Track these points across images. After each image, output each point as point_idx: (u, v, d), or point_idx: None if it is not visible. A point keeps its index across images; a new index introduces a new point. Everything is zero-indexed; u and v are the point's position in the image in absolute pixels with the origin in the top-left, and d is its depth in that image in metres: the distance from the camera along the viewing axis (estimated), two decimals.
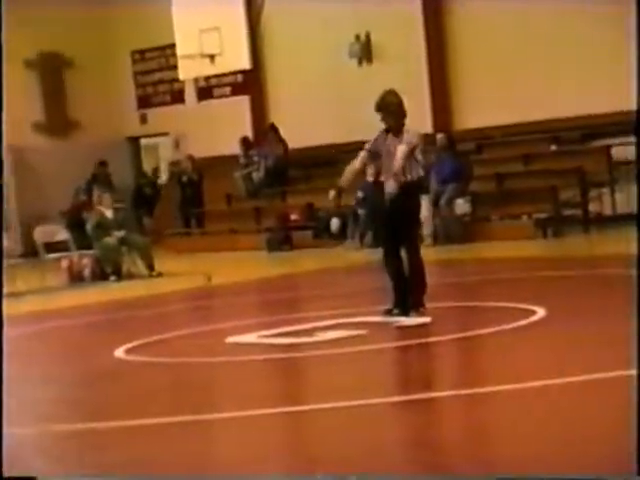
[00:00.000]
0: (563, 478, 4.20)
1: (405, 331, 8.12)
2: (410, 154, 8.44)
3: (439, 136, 16.78)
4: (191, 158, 20.82)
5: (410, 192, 8.47)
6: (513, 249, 14.35)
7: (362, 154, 8.66)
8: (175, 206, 20.96)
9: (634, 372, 5.66)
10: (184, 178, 20.72)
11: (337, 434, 5.37)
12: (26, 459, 4.98)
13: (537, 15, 17.14)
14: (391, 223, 8.52)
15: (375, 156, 8.62)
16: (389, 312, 8.51)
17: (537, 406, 5.56)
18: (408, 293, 8.48)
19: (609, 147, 16.07)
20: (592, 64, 16.45)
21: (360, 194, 16.29)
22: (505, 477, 4.26)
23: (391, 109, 8.49)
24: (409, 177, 8.46)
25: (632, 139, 15.85)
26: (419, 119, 14.74)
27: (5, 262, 14.29)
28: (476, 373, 6.91)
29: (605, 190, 16.01)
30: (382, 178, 8.60)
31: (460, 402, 5.86)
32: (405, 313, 8.43)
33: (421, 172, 8.60)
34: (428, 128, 17.48)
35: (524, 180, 16.50)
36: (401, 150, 8.38)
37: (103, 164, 21.63)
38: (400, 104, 8.54)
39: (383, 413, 5.76)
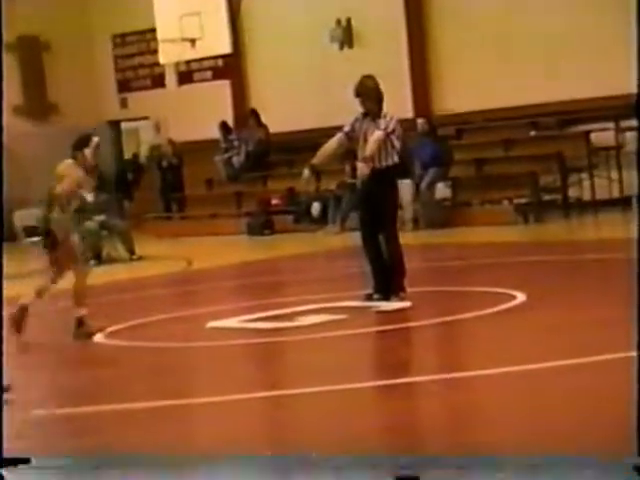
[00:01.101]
0: (546, 459, 4.21)
1: (385, 316, 8.12)
2: (385, 140, 8.43)
3: (419, 121, 16.77)
4: (171, 142, 20.74)
5: (383, 178, 8.45)
6: (493, 234, 14.37)
7: (339, 135, 8.66)
8: (156, 190, 20.88)
9: (613, 355, 5.69)
10: (164, 162, 20.63)
11: (318, 418, 5.37)
12: (10, 444, 4.95)
13: (519, 2, 17.13)
14: (365, 208, 8.51)
15: (352, 139, 8.61)
16: (369, 297, 8.51)
17: (517, 390, 5.57)
18: (388, 278, 8.48)
19: (588, 133, 16.11)
20: (571, 50, 16.46)
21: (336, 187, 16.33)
22: (488, 458, 4.27)
23: (370, 94, 8.48)
24: (383, 163, 8.45)
25: (611, 125, 15.89)
26: (399, 104, 14.72)
27: None
28: (456, 358, 6.92)
29: (584, 175, 16.06)
30: (357, 162, 8.60)
31: (440, 386, 5.87)
32: (385, 298, 8.43)
33: (396, 159, 8.57)
34: (409, 113, 17.46)
35: (504, 165, 16.51)
36: (376, 135, 8.37)
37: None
38: (378, 89, 8.53)
39: (364, 397, 5.76)
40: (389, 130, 8.44)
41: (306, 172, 8.73)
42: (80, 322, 8.43)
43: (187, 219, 19.66)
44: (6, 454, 4.65)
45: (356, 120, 8.58)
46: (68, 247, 8.43)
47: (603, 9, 15.86)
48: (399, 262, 8.50)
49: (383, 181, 8.44)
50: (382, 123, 8.44)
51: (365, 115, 8.54)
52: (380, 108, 8.50)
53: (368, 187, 8.45)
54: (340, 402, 5.63)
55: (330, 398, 5.71)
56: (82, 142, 8.61)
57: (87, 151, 8.55)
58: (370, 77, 8.65)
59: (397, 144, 8.55)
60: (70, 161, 8.62)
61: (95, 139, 8.64)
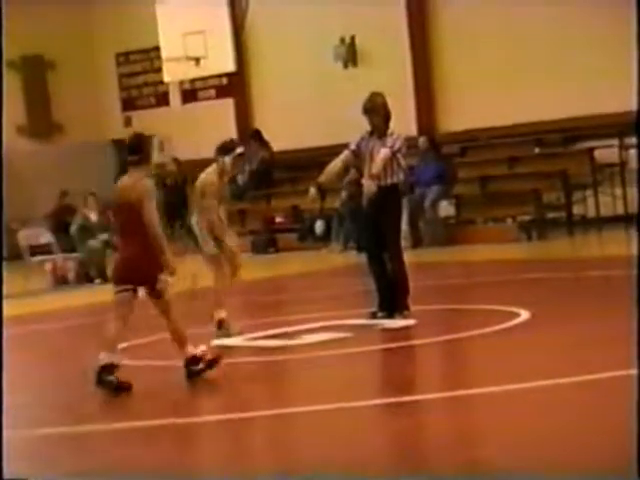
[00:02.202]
0: (549, 478, 4.23)
1: (390, 334, 8.14)
2: (392, 158, 8.48)
3: (421, 139, 16.82)
4: (176, 161, 20.82)
5: (389, 195, 8.50)
6: (497, 252, 14.40)
7: (345, 153, 8.72)
8: (160, 208, 20.91)
9: (615, 373, 5.71)
10: (168, 181, 20.69)
11: (323, 436, 5.39)
12: (13, 462, 4.98)
13: (521, 19, 17.21)
14: (371, 225, 8.56)
15: (358, 157, 8.66)
16: (374, 315, 8.54)
17: (521, 408, 5.59)
18: (392, 296, 8.51)
19: (592, 150, 16.15)
20: (574, 68, 16.52)
21: (344, 194, 16.32)
22: (495, 477, 4.29)
23: (378, 111, 8.55)
24: (389, 180, 8.50)
25: (615, 142, 15.94)
26: (404, 122, 14.77)
27: None
28: (459, 375, 6.94)
29: (589, 193, 16.09)
30: (363, 180, 8.64)
31: (444, 404, 5.89)
32: (390, 315, 8.45)
33: (402, 177, 8.64)
34: (413, 131, 17.52)
35: (508, 183, 16.55)
36: (383, 153, 8.42)
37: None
38: (386, 106, 8.60)
39: (368, 416, 5.78)
40: (395, 148, 8.50)
41: (312, 190, 8.78)
42: (220, 323, 8.55)
43: (191, 237, 19.70)
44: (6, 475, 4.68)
45: (362, 138, 8.64)
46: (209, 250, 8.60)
47: (606, 27, 15.94)
48: (404, 280, 8.54)
49: (389, 199, 8.49)
50: (389, 141, 8.50)
51: (371, 133, 8.60)
52: (387, 126, 8.57)
53: (374, 204, 8.50)
54: (345, 420, 5.65)
55: (335, 416, 5.74)
56: (225, 149, 8.67)
57: (227, 159, 8.61)
58: (379, 94, 8.73)
59: (403, 162, 8.61)
60: (211, 168, 8.64)
61: (238, 149, 8.69)
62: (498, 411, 5.60)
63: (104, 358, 6.84)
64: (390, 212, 8.52)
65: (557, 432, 4.99)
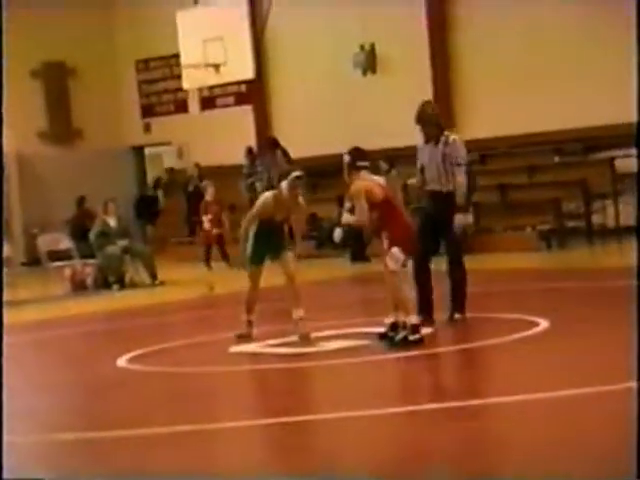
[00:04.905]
0: None
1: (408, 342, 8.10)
2: (446, 163, 8.65)
3: None
4: (198, 166, 20.86)
5: (448, 202, 8.65)
6: (516, 260, 14.35)
7: (418, 176, 8.88)
8: (180, 214, 20.97)
9: (632, 384, 5.67)
10: (190, 187, 20.73)
11: (340, 444, 5.37)
12: (29, 467, 4.98)
13: (541, 28, 17.17)
14: (426, 232, 8.68)
15: (422, 170, 8.84)
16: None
17: (540, 417, 5.56)
18: (431, 304, 8.68)
19: (612, 159, 16.08)
20: (595, 76, 16.47)
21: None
22: None
23: (430, 120, 8.70)
24: (447, 187, 8.68)
25: (634, 151, 15.87)
26: None
27: (8, 271, 14.31)
28: (476, 384, 6.90)
29: (608, 202, 16.01)
30: (429, 187, 8.76)
31: (462, 413, 5.86)
32: (430, 321, 8.55)
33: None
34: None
35: (528, 191, 16.51)
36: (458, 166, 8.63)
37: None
38: (437, 114, 8.79)
39: (386, 424, 5.76)
40: (446, 153, 8.64)
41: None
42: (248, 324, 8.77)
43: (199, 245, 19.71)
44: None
45: (419, 150, 8.86)
46: None
47: (627, 34, 15.87)
48: (464, 284, 8.74)
49: (449, 205, 8.56)
50: (440, 148, 8.66)
51: (426, 142, 8.76)
52: (441, 133, 8.70)
53: (432, 211, 8.60)
54: (364, 428, 5.63)
55: (353, 424, 5.72)
56: (281, 175, 8.88)
57: (284, 185, 8.80)
58: (429, 102, 9.11)
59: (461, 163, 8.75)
60: (270, 194, 8.90)
61: (295, 173, 8.85)
62: (516, 421, 5.57)
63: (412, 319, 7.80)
64: (451, 219, 8.59)
65: (571, 443, 4.95)
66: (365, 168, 8.09)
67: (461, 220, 8.63)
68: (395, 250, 7.89)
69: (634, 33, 15.32)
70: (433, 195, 8.78)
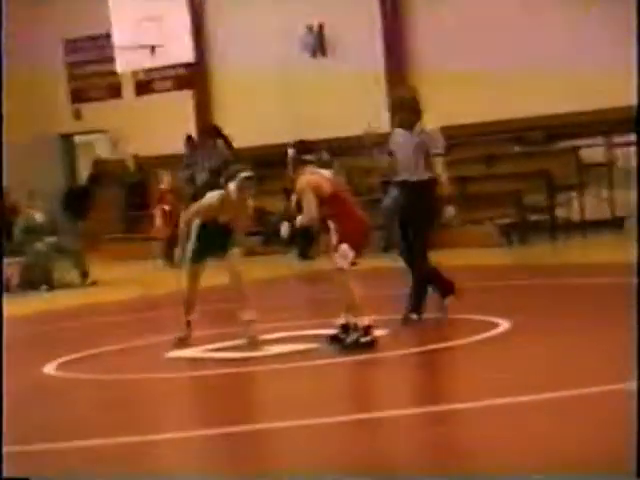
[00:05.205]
0: None
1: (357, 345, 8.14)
2: (419, 152, 8.76)
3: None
4: (136, 157, 20.75)
5: (424, 190, 8.77)
6: (475, 257, 14.47)
7: (386, 159, 9.02)
8: (116, 209, 20.83)
9: (597, 389, 5.76)
10: (127, 179, 20.61)
11: (292, 455, 5.40)
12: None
13: (500, 12, 17.33)
14: (404, 222, 8.84)
15: (390, 154, 8.95)
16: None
17: (494, 423, 5.63)
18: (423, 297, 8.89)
19: (577, 148, 16.26)
20: (557, 62, 16.64)
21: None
22: None
23: (404, 104, 8.85)
24: (420, 176, 8.79)
25: (601, 140, 16.07)
26: (376, 117, 14.80)
27: None
28: (425, 390, 6.96)
29: (573, 194, 16.20)
30: (399, 177, 8.85)
31: (410, 420, 5.91)
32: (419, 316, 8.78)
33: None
34: (385, 126, 17.55)
35: (486, 183, 16.64)
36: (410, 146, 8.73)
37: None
38: (414, 99, 8.89)
39: (337, 433, 5.79)
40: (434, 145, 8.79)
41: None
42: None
43: (149, 240, 19.60)
44: None
45: (392, 134, 8.98)
46: None
47: (589, 20, 16.09)
48: (425, 283, 8.89)
49: (419, 195, 8.65)
50: (415, 135, 8.77)
51: (400, 126, 8.89)
52: (417, 119, 8.82)
53: (403, 202, 8.68)
54: (308, 436, 5.66)
55: (298, 433, 5.74)
56: (228, 175, 8.70)
57: (231, 186, 8.63)
58: (407, 86, 9.22)
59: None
60: (217, 193, 8.75)
61: (243, 173, 8.65)
62: (474, 427, 5.63)
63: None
64: (424, 208, 8.74)
65: (534, 448, 5.03)
66: (311, 162, 8.12)
67: (450, 212, 8.79)
68: (344, 247, 7.94)
69: (597, 19, 15.55)
70: (402, 185, 8.85)
